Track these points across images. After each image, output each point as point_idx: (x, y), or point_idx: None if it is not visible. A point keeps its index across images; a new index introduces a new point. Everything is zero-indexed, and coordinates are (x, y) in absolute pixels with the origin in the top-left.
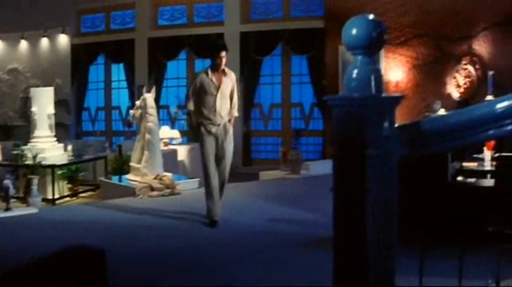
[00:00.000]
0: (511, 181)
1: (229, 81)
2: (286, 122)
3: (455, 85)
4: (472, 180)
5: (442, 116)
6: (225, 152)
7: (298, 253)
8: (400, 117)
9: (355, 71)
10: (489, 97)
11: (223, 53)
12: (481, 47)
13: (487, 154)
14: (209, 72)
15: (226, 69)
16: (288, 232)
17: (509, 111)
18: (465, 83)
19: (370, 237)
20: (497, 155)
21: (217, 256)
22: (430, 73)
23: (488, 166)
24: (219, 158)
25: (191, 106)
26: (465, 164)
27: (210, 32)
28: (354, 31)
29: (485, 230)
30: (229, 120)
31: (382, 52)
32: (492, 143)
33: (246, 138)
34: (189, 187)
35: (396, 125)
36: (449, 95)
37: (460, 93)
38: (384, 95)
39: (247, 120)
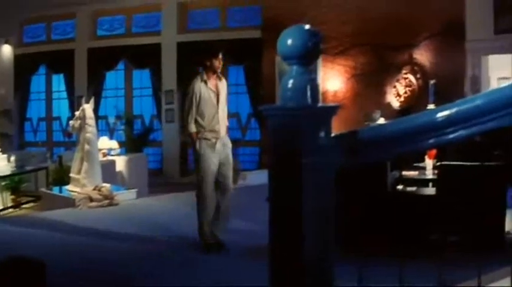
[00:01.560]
0: (452, 189)
1: (224, 87)
2: None
3: (396, 94)
4: (413, 189)
5: (380, 125)
6: (229, 167)
7: (235, 263)
8: (339, 127)
9: (291, 81)
10: (430, 106)
11: (221, 55)
12: (423, 56)
13: (429, 162)
14: (206, 79)
15: (219, 74)
16: (225, 242)
17: (450, 120)
18: (405, 92)
19: (307, 246)
20: (438, 163)
21: (155, 266)
22: (370, 82)
23: (429, 174)
24: (223, 174)
25: (193, 128)
26: (405, 173)
27: (148, 42)
28: (289, 41)
29: (427, 239)
30: (226, 132)
31: (320, 62)
32: (434, 151)
33: (183, 148)
34: (126, 197)
35: (333, 134)
36: (389, 105)
37: (401, 102)
38: (320, 104)
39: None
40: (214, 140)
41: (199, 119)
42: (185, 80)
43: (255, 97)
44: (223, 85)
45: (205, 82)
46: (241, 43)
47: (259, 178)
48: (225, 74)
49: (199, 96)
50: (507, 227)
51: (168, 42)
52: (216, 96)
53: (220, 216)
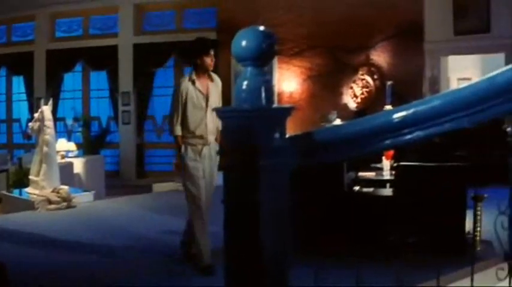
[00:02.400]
0: (410, 190)
1: (216, 88)
2: None
3: (352, 95)
4: (370, 189)
5: (336, 126)
6: (213, 178)
7: (189, 265)
8: (295, 128)
9: (245, 83)
10: (387, 107)
11: (212, 52)
12: (380, 57)
13: (386, 163)
14: (194, 78)
15: (212, 74)
16: (176, 245)
17: (406, 121)
18: (362, 93)
19: (263, 248)
20: (396, 164)
21: (111, 269)
22: (326, 84)
23: (387, 175)
24: (206, 185)
25: (179, 131)
26: (362, 173)
27: (105, 44)
28: (244, 43)
29: (385, 240)
30: (216, 139)
31: (275, 63)
32: (391, 152)
33: (140, 150)
34: (84, 199)
35: (288, 135)
36: (345, 106)
37: (357, 103)
38: (274, 106)
39: (141, 132)
40: (200, 147)
41: (188, 124)
42: (141, 81)
43: None
44: (215, 86)
45: (193, 82)
46: None
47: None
48: (180, 75)
49: (186, 97)
50: (467, 228)
51: (125, 43)
52: (205, 98)
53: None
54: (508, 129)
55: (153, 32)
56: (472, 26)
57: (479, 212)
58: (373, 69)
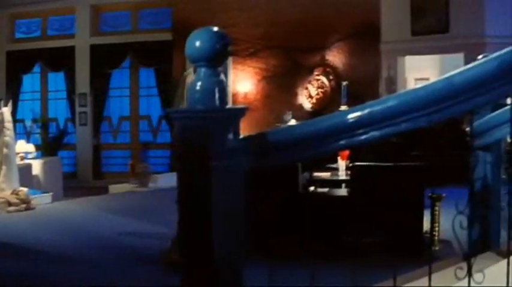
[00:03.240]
0: (365, 190)
1: None
2: (134, 135)
3: (307, 96)
4: (325, 190)
5: (290, 126)
6: None
7: (145, 266)
8: (250, 129)
9: (199, 83)
10: (343, 107)
11: None
12: (335, 57)
13: (341, 163)
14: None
15: None
16: (135, 245)
17: (361, 121)
18: (318, 94)
19: (217, 248)
20: (351, 164)
21: (70, 270)
22: (281, 84)
23: (342, 175)
24: None
25: None
26: (317, 174)
27: (63, 45)
28: (197, 43)
29: (340, 240)
30: None
31: (230, 64)
32: (346, 152)
33: (96, 151)
34: (42, 201)
35: (242, 136)
36: (301, 106)
37: (313, 103)
38: (228, 106)
39: (97, 134)
40: None
41: None
42: (98, 82)
43: (165, 100)
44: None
45: None
46: (152, 45)
47: (170, 180)
48: (136, 76)
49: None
50: (425, 228)
51: (82, 44)
52: None
53: None
54: (467, 129)
55: (109, 32)
56: (430, 26)
57: (437, 212)
58: (328, 69)
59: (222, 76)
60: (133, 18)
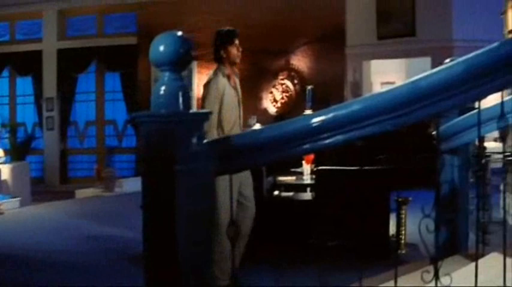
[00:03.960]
0: (330, 194)
1: (239, 88)
2: (100, 140)
3: (272, 100)
4: (290, 194)
5: (254, 130)
6: (249, 185)
7: (111, 270)
8: None
9: (163, 88)
10: (308, 111)
11: (237, 41)
12: (300, 61)
13: (306, 167)
14: (227, 73)
15: (235, 69)
16: (101, 250)
17: (325, 125)
18: (282, 98)
19: (182, 252)
20: (316, 168)
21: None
22: (246, 88)
23: (307, 179)
24: (244, 195)
25: (215, 135)
26: (282, 178)
27: (30, 49)
28: (161, 48)
29: (306, 244)
30: None
31: (195, 68)
32: (311, 156)
33: (63, 156)
34: (11, 206)
35: (207, 140)
36: (265, 110)
37: (277, 108)
38: (192, 111)
39: (64, 138)
40: None
41: (223, 126)
42: (65, 87)
43: (131, 104)
44: (239, 86)
45: (228, 77)
46: (117, 50)
47: (135, 184)
48: (101, 80)
49: (223, 95)
50: (392, 231)
51: (49, 49)
52: (237, 96)
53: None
54: (434, 132)
55: (76, 37)
56: (397, 30)
57: (403, 215)
58: (293, 73)
59: (186, 80)
60: (99, 23)
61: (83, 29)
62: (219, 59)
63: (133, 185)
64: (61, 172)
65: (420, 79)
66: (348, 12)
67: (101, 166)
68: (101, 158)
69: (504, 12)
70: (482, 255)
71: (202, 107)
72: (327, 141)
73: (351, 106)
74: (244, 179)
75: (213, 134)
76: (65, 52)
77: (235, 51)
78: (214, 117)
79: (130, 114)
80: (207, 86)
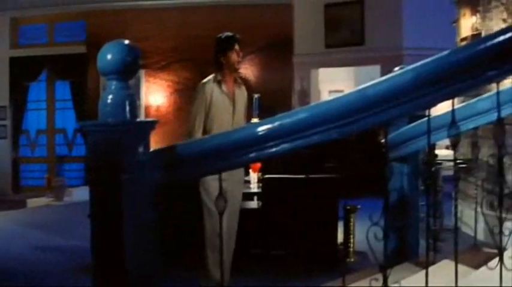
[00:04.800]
0: (277, 202)
1: (242, 97)
2: (51, 148)
3: None
4: None
5: (200, 139)
6: (236, 206)
7: (60, 279)
8: (163, 142)
9: (110, 97)
10: (254, 120)
11: (238, 47)
12: (247, 70)
13: (253, 176)
14: (220, 78)
15: (239, 81)
16: (49, 259)
17: (271, 133)
18: None
19: (129, 261)
20: (263, 177)
21: None
22: (192, 97)
23: (254, 188)
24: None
25: (199, 136)
26: None
27: None
28: (108, 56)
29: (251, 252)
30: None
31: (143, 77)
32: (258, 165)
33: (15, 165)
34: None
35: (153, 149)
36: None
37: None
38: (138, 119)
39: (16, 147)
40: None
41: (208, 127)
42: (17, 95)
43: (80, 113)
44: (242, 94)
45: (219, 83)
46: (67, 58)
47: (85, 194)
48: (52, 89)
49: (210, 100)
50: (340, 239)
51: (1, 57)
52: (232, 103)
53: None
54: (383, 140)
55: (28, 45)
56: (345, 39)
57: (351, 224)
58: (240, 82)
59: (133, 89)
60: (50, 31)
61: (34, 38)
62: (218, 66)
63: (83, 194)
64: (13, 181)
65: (368, 87)
66: (296, 21)
67: (51, 175)
68: (52, 167)
69: (456, 21)
70: (434, 262)
71: (191, 109)
72: (273, 149)
73: (297, 114)
74: (235, 178)
75: (197, 136)
76: (17, 60)
77: (235, 57)
78: (198, 121)
79: (79, 123)
80: (197, 89)
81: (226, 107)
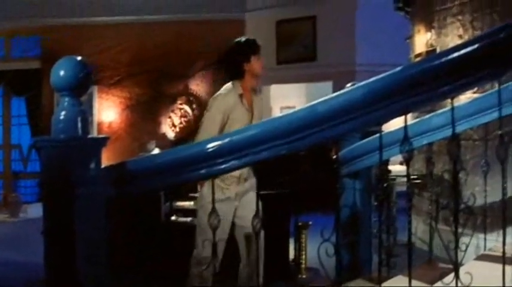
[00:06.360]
0: None
1: (259, 105)
2: (7, 164)
3: (171, 125)
4: (188, 219)
5: (151, 155)
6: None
7: None
8: (115, 158)
9: (63, 113)
10: None
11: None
12: (199, 86)
13: None
14: (241, 91)
15: (256, 87)
16: (6, 276)
17: (221, 150)
18: (181, 123)
19: (82, 276)
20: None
21: None
22: (145, 113)
23: None
24: (238, 223)
25: None
26: (180, 203)
27: None
28: (61, 73)
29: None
30: None
31: (95, 93)
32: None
33: None
34: None
35: (104, 165)
36: (164, 135)
37: (176, 133)
38: (90, 136)
39: None
40: (234, 187)
41: None
42: None
43: (35, 128)
44: (259, 103)
45: (241, 96)
46: (23, 74)
47: (40, 210)
48: (8, 104)
49: (228, 117)
50: (292, 256)
51: None
52: (250, 117)
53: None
54: (334, 156)
55: None
56: (297, 55)
57: (303, 240)
58: (191, 98)
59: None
60: (6, 46)
61: None
62: (238, 74)
63: (38, 210)
64: None
65: (318, 103)
66: (248, 36)
67: (7, 191)
68: (8, 183)
69: (410, 37)
70: (388, 278)
71: (201, 120)
72: (223, 166)
73: (247, 131)
74: (244, 202)
75: None
76: None
77: (259, 63)
78: (209, 135)
79: (34, 138)
80: (213, 100)
81: (243, 123)
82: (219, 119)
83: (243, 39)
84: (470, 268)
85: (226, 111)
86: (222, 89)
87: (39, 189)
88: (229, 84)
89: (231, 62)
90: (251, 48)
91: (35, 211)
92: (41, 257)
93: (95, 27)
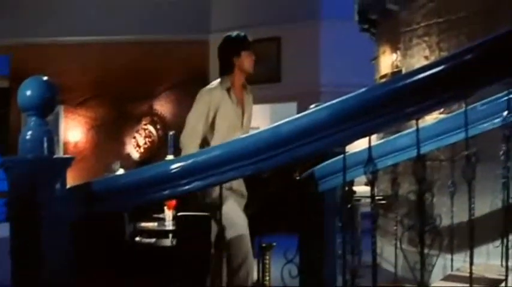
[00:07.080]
0: (191, 240)
1: (250, 104)
2: None
3: (135, 145)
4: (152, 240)
5: (115, 176)
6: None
7: None
8: (80, 178)
9: (29, 132)
10: (170, 157)
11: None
12: (163, 106)
13: (168, 213)
14: (230, 86)
15: (246, 84)
16: None
17: (184, 170)
18: (145, 143)
19: None
20: (177, 214)
21: None
22: (110, 133)
23: (169, 225)
24: None
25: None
26: (144, 224)
27: None
28: (28, 93)
29: None
30: None
31: (62, 112)
32: (173, 202)
33: None
34: None
35: (69, 186)
36: (128, 155)
37: (140, 153)
38: (55, 156)
39: None
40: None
41: (213, 144)
42: None
43: (3, 148)
44: (249, 101)
45: (229, 90)
46: None
47: (7, 230)
48: None
49: (216, 111)
50: (255, 277)
51: None
52: (241, 114)
53: None
54: (298, 177)
55: None
56: (262, 76)
57: (267, 261)
58: (156, 119)
59: (51, 125)
60: None
61: None
62: (227, 69)
63: (4, 230)
64: None
65: (282, 124)
66: (212, 57)
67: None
68: None
69: (376, 58)
70: None
71: (188, 116)
72: (186, 187)
73: (211, 151)
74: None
75: (192, 148)
76: None
77: (251, 58)
78: (194, 137)
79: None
80: (200, 94)
81: (235, 121)
82: (205, 112)
83: (233, 33)
84: None
85: (213, 105)
86: (210, 84)
87: (7, 209)
88: (218, 79)
89: (221, 57)
90: (241, 43)
91: (3, 230)
92: (9, 277)
93: (60, 47)
